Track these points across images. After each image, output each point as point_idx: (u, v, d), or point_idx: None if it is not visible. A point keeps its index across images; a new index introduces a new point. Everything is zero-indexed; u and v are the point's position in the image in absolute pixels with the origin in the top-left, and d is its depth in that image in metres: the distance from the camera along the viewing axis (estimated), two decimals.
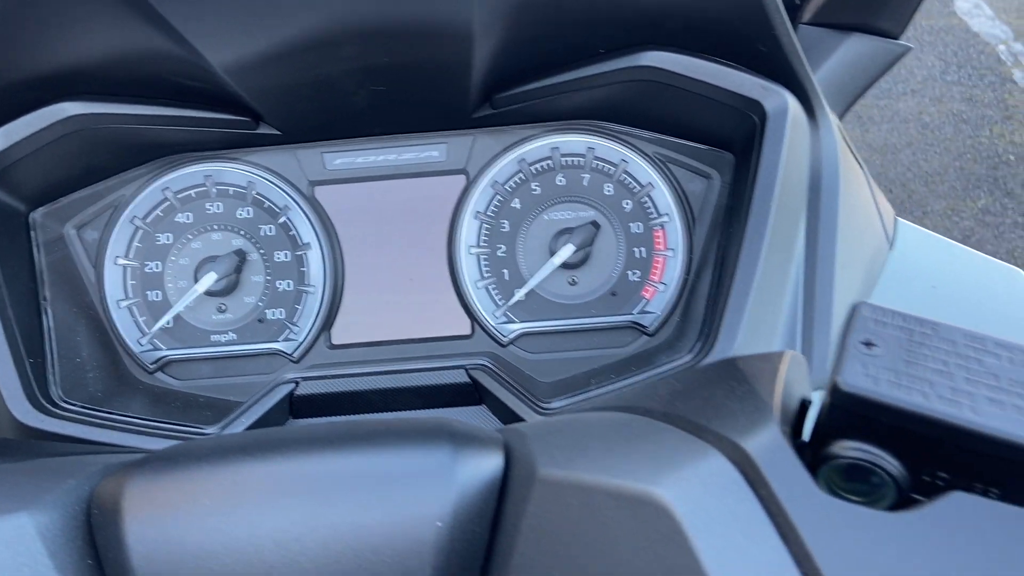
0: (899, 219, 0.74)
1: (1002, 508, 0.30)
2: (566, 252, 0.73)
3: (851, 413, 0.33)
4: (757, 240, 0.62)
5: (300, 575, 0.35)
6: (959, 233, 2.95)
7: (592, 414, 0.42)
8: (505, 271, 0.75)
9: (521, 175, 0.75)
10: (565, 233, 0.74)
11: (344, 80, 0.66)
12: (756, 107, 0.65)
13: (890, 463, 0.33)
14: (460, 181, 0.75)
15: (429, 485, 0.37)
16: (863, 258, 0.67)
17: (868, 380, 0.33)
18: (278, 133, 0.72)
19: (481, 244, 0.75)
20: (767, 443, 0.33)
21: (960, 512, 0.30)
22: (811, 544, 0.30)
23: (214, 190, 0.74)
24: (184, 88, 0.67)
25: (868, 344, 0.35)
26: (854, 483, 0.33)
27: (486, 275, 0.75)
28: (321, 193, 0.75)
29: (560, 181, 0.75)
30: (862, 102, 3.75)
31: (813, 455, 0.34)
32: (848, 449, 0.33)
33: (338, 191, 0.75)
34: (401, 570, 0.36)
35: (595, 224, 0.74)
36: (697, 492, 0.33)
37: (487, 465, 0.38)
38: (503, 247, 0.75)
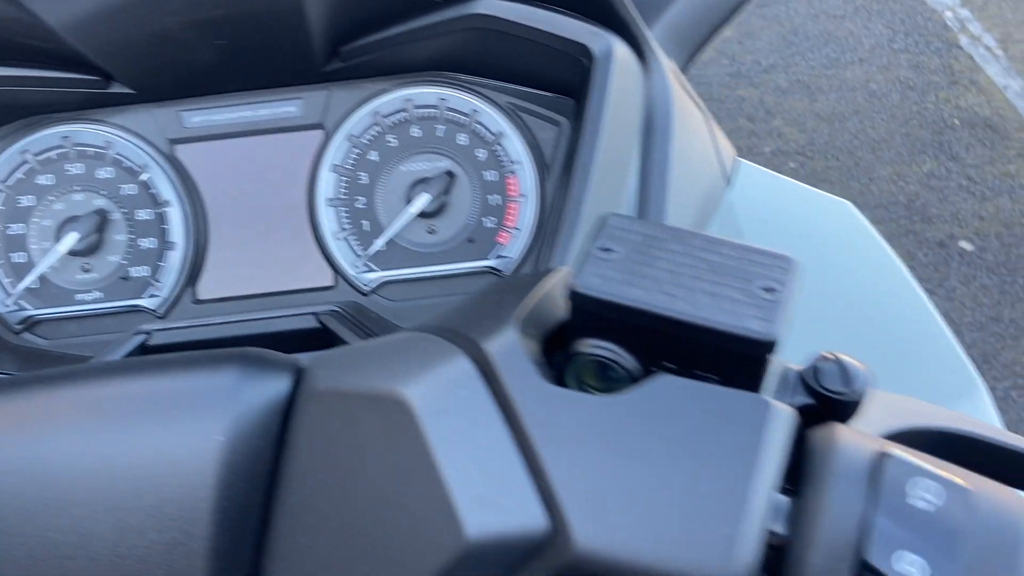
0: (740, 160, 0.76)
1: (696, 385, 0.33)
2: (422, 201, 0.75)
3: (589, 313, 0.35)
4: (583, 179, 0.64)
5: (86, 492, 0.38)
6: (904, 197, 2.99)
7: (385, 337, 0.44)
8: (365, 222, 0.77)
9: (377, 128, 0.76)
10: (421, 183, 0.76)
11: (183, 34, 0.67)
12: (584, 51, 0.67)
13: (622, 356, 0.36)
14: (318, 136, 0.77)
15: (212, 404, 0.39)
16: (697, 196, 0.69)
17: (598, 280, 0.35)
18: (132, 92, 0.73)
19: (340, 196, 0.77)
20: (504, 342, 0.35)
21: (660, 390, 0.33)
22: (529, 427, 0.33)
23: (73, 151, 0.75)
24: (30, 48, 0.67)
25: (606, 250, 0.37)
26: (599, 379, 0.36)
27: (346, 227, 0.77)
28: (181, 151, 0.76)
29: (415, 133, 0.76)
30: (810, 72, 3.74)
31: (564, 355, 0.36)
32: (585, 347, 0.36)
33: (198, 149, 0.76)
34: (182, 483, 0.38)
35: (450, 174, 0.76)
36: (435, 390, 0.35)
37: (274, 385, 0.40)
38: (362, 199, 0.76)
